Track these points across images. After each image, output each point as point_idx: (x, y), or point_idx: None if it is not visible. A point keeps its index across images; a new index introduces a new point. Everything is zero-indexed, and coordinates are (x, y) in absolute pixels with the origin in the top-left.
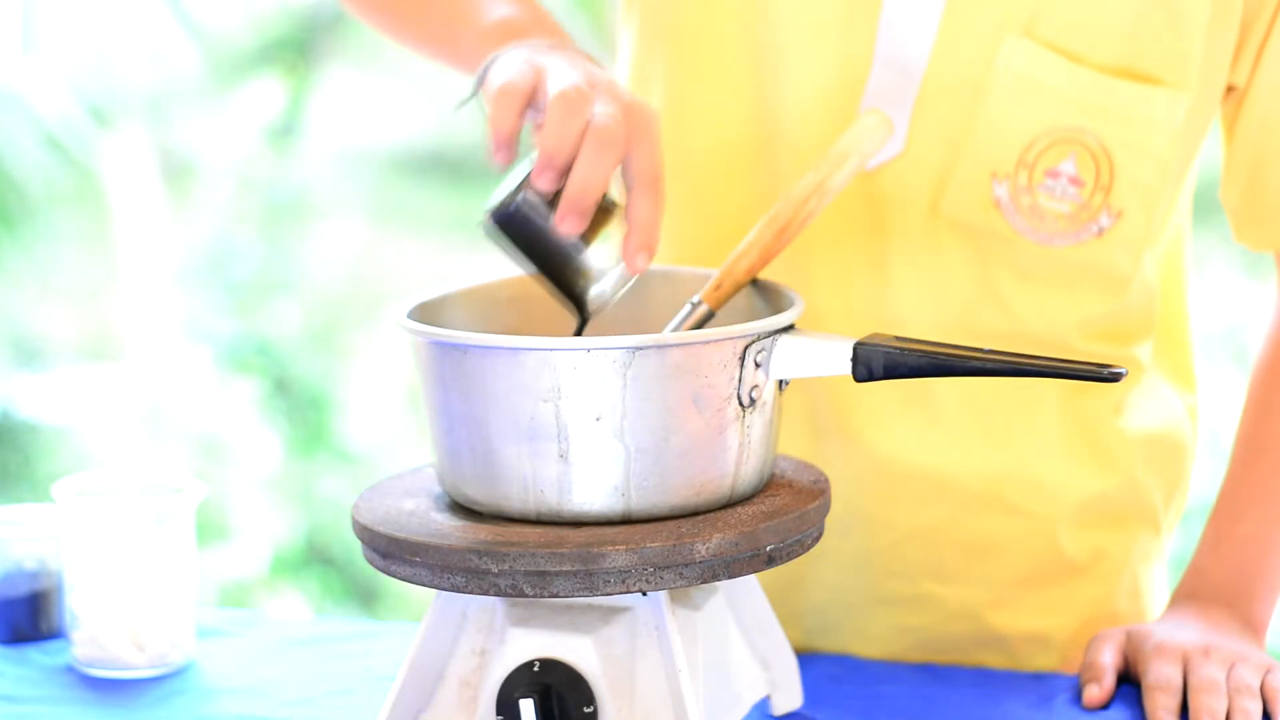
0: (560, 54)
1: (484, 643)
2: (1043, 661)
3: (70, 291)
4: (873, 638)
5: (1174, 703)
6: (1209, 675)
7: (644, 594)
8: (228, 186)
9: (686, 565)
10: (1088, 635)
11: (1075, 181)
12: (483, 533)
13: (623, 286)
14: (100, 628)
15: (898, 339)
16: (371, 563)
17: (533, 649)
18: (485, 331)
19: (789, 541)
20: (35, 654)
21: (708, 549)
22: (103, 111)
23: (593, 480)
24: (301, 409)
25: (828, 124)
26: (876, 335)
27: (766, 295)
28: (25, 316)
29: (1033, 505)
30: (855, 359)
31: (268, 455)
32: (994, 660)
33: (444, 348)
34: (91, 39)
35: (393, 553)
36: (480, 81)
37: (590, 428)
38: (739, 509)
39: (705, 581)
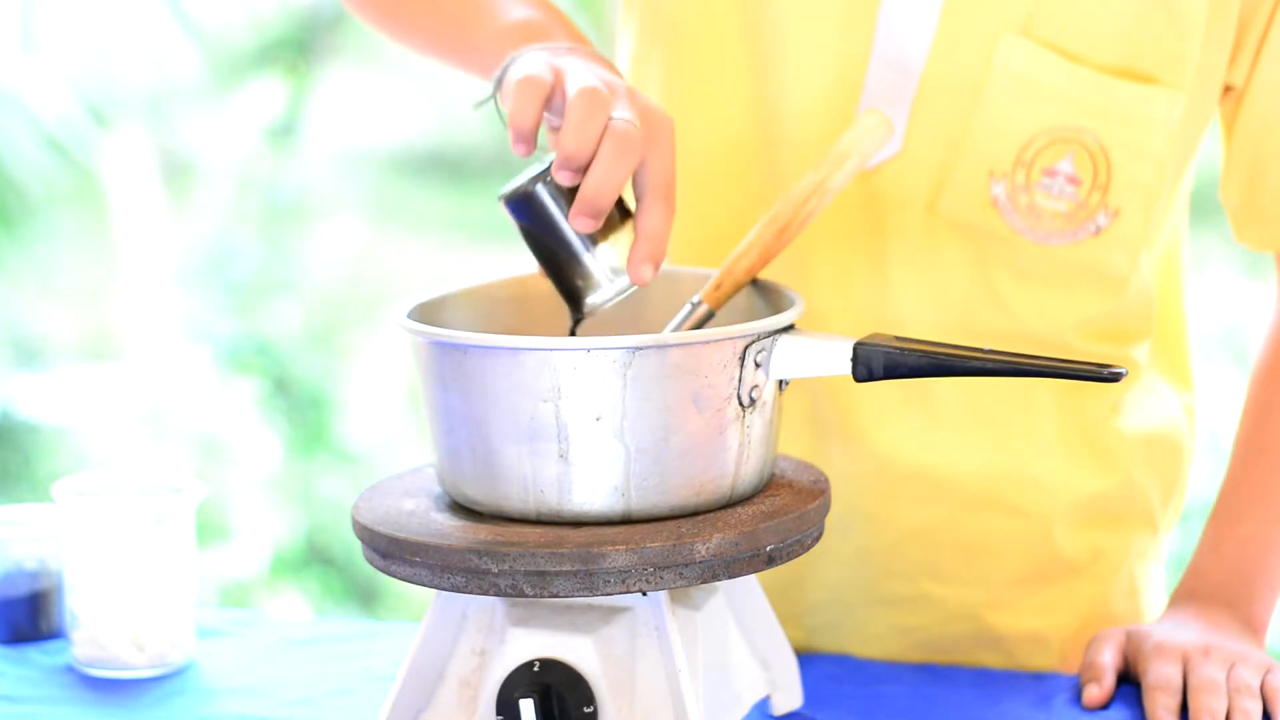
0: (578, 57)
1: (484, 643)
2: (1041, 661)
3: (70, 291)
4: (872, 638)
5: (1174, 702)
6: (1209, 675)
7: (644, 594)
8: (228, 186)
9: (686, 565)
10: (1086, 635)
11: (1073, 181)
12: (483, 533)
13: (623, 294)
14: (100, 628)
15: (897, 339)
16: (371, 563)
17: (533, 649)
18: (485, 331)
19: (789, 541)
20: (35, 654)
21: (708, 549)
22: (102, 111)
23: (593, 480)
24: (301, 409)
25: (826, 123)
26: (876, 335)
27: (766, 295)
28: (25, 316)
29: (1030, 505)
30: (855, 359)
31: (268, 455)
32: (992, 660)
33: (444, 348)
34: (91, 39)
35: (393, 553)
36: (499, 82)
37: (590, 428)
38: (739, 509)
39: (705, 581)
